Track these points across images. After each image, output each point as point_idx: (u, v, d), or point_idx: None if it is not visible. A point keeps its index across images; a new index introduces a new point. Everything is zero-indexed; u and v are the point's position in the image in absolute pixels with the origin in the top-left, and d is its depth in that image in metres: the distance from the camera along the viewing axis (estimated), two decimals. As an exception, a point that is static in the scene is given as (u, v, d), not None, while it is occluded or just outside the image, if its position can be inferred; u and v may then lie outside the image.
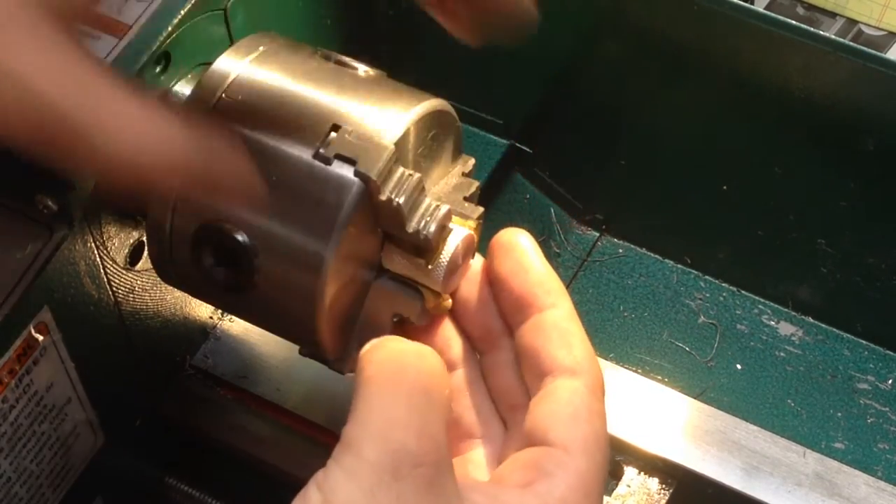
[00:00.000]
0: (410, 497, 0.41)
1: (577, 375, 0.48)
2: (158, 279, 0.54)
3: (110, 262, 0.53)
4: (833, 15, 0.87)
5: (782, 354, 0.69)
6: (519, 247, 0.51)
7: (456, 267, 0.51)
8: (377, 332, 0.48)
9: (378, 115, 0.50)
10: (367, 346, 0.46)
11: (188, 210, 0.50)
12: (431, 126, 0.52)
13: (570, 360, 0.48)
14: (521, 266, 0.50)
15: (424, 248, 0.50)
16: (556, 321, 0.49)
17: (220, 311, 0.66)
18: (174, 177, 0.42)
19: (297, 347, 0.52)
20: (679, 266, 0.71)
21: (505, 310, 0.51)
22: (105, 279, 0.53)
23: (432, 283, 0.50)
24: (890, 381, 0.68)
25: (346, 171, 0.48)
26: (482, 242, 0.53)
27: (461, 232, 0.51)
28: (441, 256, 0.50)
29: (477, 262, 0.52)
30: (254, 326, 0.62)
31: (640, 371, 0.67)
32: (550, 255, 0.71)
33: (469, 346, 0.52)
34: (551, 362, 0.49)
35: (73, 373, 0.53)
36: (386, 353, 0.45)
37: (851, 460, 0.63)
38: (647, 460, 0.62)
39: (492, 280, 0.51)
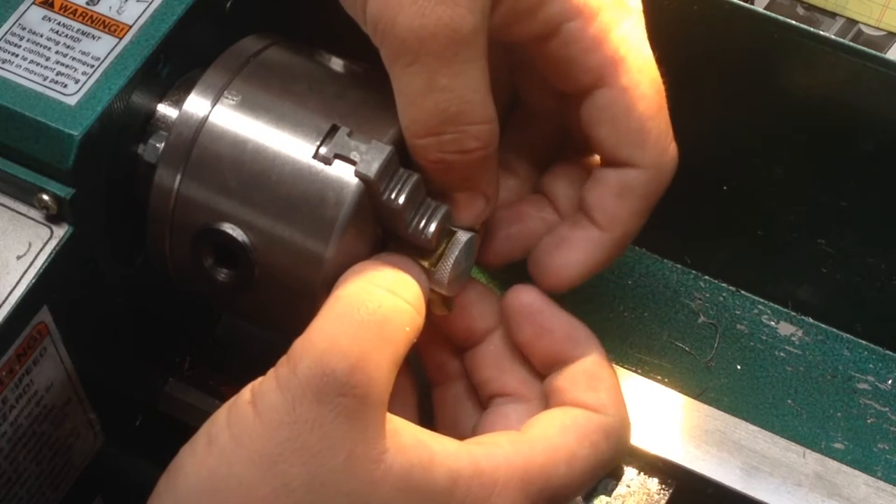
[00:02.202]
0: (328, 422, 0.42)
1: (598, 412, 0.49)
2: (158, 279, 0.54)
3: (110, 262, 0.53)
4: (833, 15, 0.87)
5: (782, 354, 0.69)
6: (533, 309, 0.51)
7: (460, 269, 0.51)
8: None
9: (378, 115, 0.50)
10: (359, 264, 0.48)
11: (188, 209, 0.50)
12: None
13: (595, 401, 0.49)
14: (542, 329, 0.51)
15: (425, 248, 0.50)
16: (586, 367, 0.50)
17: (219, 310, 0.66)
18: None
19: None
20: (679, 266, 0.71)
21: (535, 364, 0.52)
22: (105, 279, 0.53)
23: (436, 285, 0.50)
24: (890, 381, 0.68)
25: (346, 172, 0.48)
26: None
27: (466, 234, 0.51)
28: (445, 259, 0.50)
29: None
30: (254, 326, 0.62)
31: (639, 371, 0.66)
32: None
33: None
34: (577, 402, 0.49)
35: (73, 373, 0.53)
36: (361, 279, 0.47)
37: (851, 460, 0.63)
38: (647, 460, 0.62)
39: (517, 345, 0.52)
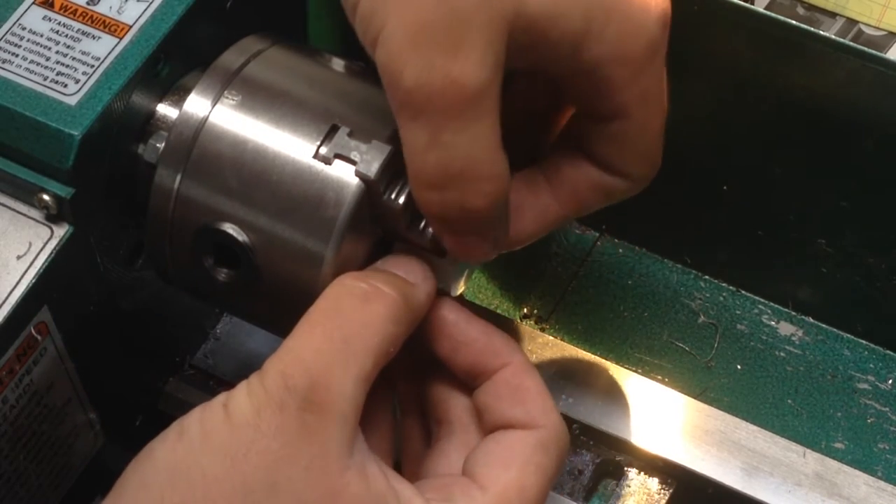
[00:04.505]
0: (290, 432, 0.43)
1: (530, 428, 0.48)
2: (158, 279, 0.54)
3: (110, 262, 0.53)
4: (833, 15, 0.87)
5: (782, 354, 0.69)
6: (448, 322, 0.50)
7: (466, 270, 0.51)
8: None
9: (378, 115, 0.50)
10: (342, 276, 0.47)
11: (189, 209, 0.50)
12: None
13: (524, 416, 0.48)
14: (458, 343, 0.49)
15: (426, 248, 0.50)
16: (507, 379, 0.49)
17: (219, 310, 0.66)
18: None
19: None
20: (679, 266, 0.71)
21: (459, 378, 0.50)
22: (105, 279, 0.53)
23: (440, 284, 0.50)
24: (890, 381, 0.68)
25: (346, 172, 0.48)
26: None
27: None
28: (452, 258, 0.50)
29: None
30: (254, 326, 0.62)
31: (640, 371, 0.66)
32: (550, 256, 0.71)
33: None
34: (506, 420, 0.48)
35: (73, 373, 0.53)
36: (335, 291, 0.46)
37: (851, 460, 0.63)
38: (647, 460, 0.62)
39: (438, 357, 0.50)
